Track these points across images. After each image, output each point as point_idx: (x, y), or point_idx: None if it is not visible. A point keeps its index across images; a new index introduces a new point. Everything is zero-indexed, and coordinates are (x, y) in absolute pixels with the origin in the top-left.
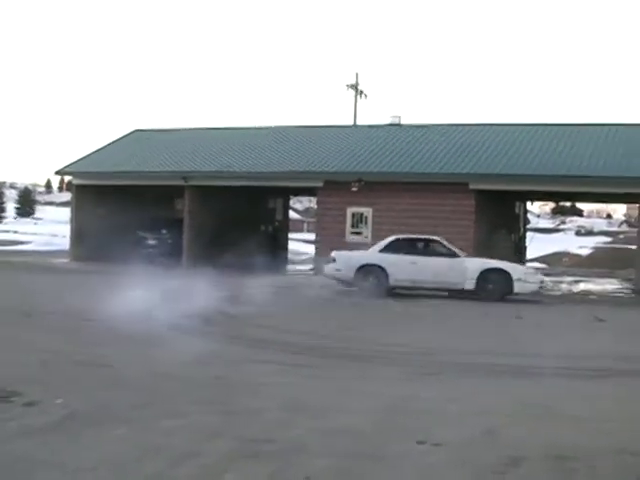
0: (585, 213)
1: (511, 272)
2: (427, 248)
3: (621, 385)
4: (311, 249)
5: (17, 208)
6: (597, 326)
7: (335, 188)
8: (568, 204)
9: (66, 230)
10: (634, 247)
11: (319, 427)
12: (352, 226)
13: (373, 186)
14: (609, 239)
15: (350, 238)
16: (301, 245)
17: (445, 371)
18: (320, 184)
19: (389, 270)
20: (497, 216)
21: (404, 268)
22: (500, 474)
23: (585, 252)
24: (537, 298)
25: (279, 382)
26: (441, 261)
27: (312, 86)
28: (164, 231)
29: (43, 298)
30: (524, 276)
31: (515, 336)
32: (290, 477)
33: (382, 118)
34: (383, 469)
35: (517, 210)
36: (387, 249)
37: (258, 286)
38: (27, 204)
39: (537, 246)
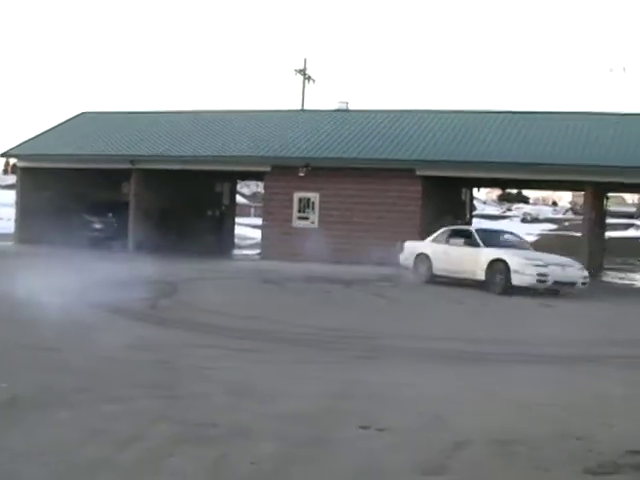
0: (531, 200)
1: (509, 262)
2: (465, 238)
3: (567, 370)
4: (258, 234)
5: None
6: (546, 313)
7: (282, 173)
8: (514, 191)
9: (11, 213)
10: (579, 234)
11: (264, 412)
12: (299, 211)
13: (320, 171)
14: (554, 226)
15: (297, 223)
16: (248, 230)
17: (394, 356)
18: (267, 169)
19: (432, 259)
20: (443, 202)
21: (441, 258)
22: (444, 459)
23: (531, 239)
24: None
25: (224, 367)
26: (465, 251)
27: (260, 71)
28: (110, 214)
29: None
30: (521, 268)
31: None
32: (235, 462)
33: (330, 103)
34: (328, 454)
35: (463, 197)
36: (437, 238)
37: (200, 270)
38: None
39: None
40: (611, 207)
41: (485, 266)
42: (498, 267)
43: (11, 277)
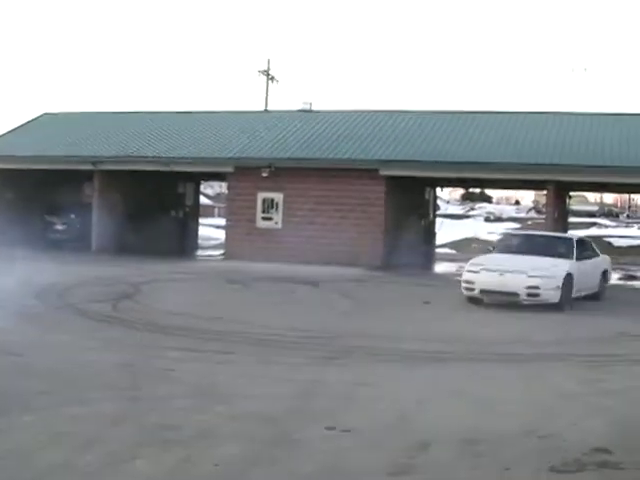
0: (494, 200)
1: None
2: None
3: (527, 369)
4: (222, 234)
5: None
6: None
7: (245, 173)
8: (477, 191)
9: None
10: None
11: (228, 413)
12: (263, 211)
13: (284, 172)
14: (518, 225)
15: (261, 223)
16: (212, 230)
17: (358, 357)
18: (230, 169)
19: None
20: (407, 202)
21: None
22: (409, 459)
23: (494, 238)
24: None
25: (187, 368)
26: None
27: (224, 71)
28: (73, 216)
29: None
30: None
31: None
32: (198, 464)
33: (293, 104)
34: (293, 455)
35: (427, 196)
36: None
37: (163, 271)
38: None
39: (447, 232)
40: (574, 206)
41: None
42: None
43: None
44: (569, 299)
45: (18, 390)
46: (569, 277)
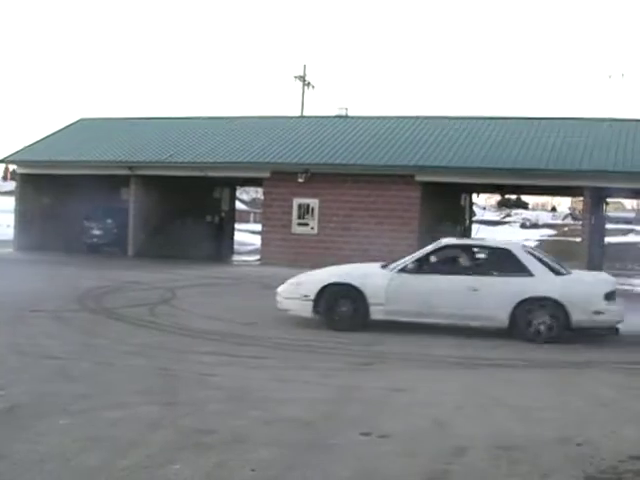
0: (530, 206)
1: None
2: None
3: (562, 376)
4: (257, 240)
5: None
6: None
7: (282, 179)
8: (514, 197)
9: (11, 219)
10: (578, 240)
11: (263, 418)
12: (299, 217)
13: (320, 177)
14: (554, 232)
15: (296, 229)
16: (248, 236)
17: (392, 362)
18: (267, 174)
19: None
20: (442, 208)
21: None
22: (445, 464)
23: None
24: None
25: (223, 373)
26: None
27: (259, 77)
28: (109, 220)
29: None
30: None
31: None
32: (235, 468)
33: (329, 110)
34: (329, 460)
35: (463, 202)
36: None
37: (198, 276)
38: None
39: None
40: (610, 213)
41: None
42: None
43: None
44: (332, 317)
45: (56, 393)
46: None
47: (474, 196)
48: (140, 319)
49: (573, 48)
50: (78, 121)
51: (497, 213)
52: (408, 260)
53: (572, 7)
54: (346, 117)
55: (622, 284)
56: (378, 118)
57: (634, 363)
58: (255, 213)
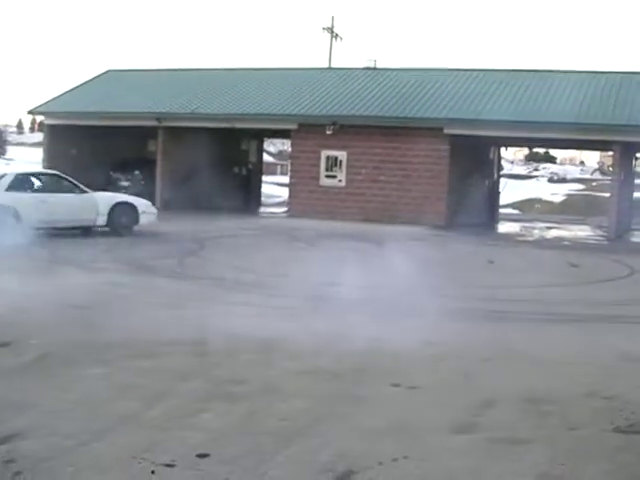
0: (558, 160)
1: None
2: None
3: (587, 329)
4: (284, 192)
5: None
6: (571, 270)
7: (309, 131)
8: (542, 151)
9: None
10: (607, 195)
11: (293, 369)
12: (326, 169)
13: (348, 129)
14: (582, 187)
15: (324, 181)
16: (275, 188)
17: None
18: (294, 126)
19: None
20: (471, 161)
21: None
22: (474, 417)
23: (558, 199)
24: None
25: (253, 323)
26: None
27: (287, 28)
28: (137, 172)
29: None
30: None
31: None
32: (265, 418)
33: (357, 62)
34: (357, 411)
35: (491, 156)
36: None
37: (226, 228)
38: None
39: (510, 192)
40: None
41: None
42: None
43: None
44: None
45: (86, 342)
46: None
47: (502, 150)
48: (169, 270)
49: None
50: (105, 72)
51: (525, 167)
52: None
53: None
54: (374, 69)
55: None
56: (407, 70)
57: None
58: (282, 165)
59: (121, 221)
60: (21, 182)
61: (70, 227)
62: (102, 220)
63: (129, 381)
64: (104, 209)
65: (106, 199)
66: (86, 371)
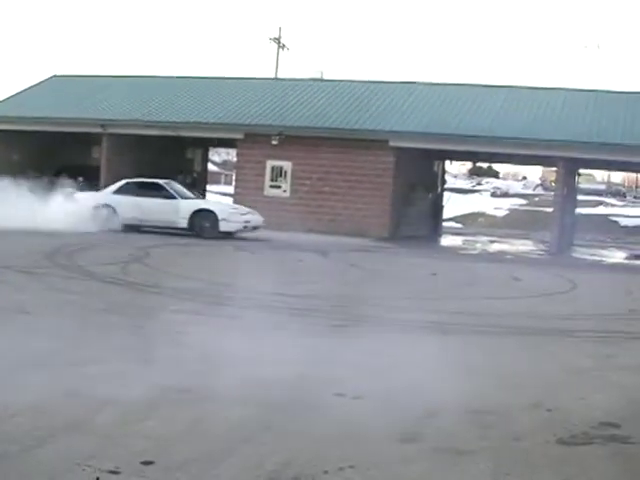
0: (501, 175)
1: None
2: None
3: (529, 342)
4: (228, 202)
5: None
6: (515, 285)
7: (255, 141)
8: (485, 165)
9: None
10: (549, 210)
11: (238, 377)
12: (271, 180)
13: (294, 140)
14: (524, 201)
15: (269, 191)
16: (219, 197)
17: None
18: (240, 136)
19: None
20: (416, 174)
21: None
22: (418, 427)
23: (501, 213)
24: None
25: (197, 332)
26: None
27: (235, 38)
28: (80, 178)
29: None
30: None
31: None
32: (210, 426)
33: (305, 72)
34: (303, 420)
35: (436, 169)
36: None
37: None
38: None
39: (454, 206)
40: (581, 184)
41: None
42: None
43: None
44: None
45: (26, 348)
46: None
47: (447, 164)
48: (111, 277)
49: (550, 17)
50: (51, 77)
51: (468, 181)
52: None
53: None
54: (321, 80)
55: (592, 255)
56: (353, 82)
57: None
58: (226, 175)
59: (202, 225)
60: (126, 188)
61: (157, 226)
62: (184, 223)
63: (73, 387)
64: (185, 214)
65: (189, 206)
66: (29, 377)
